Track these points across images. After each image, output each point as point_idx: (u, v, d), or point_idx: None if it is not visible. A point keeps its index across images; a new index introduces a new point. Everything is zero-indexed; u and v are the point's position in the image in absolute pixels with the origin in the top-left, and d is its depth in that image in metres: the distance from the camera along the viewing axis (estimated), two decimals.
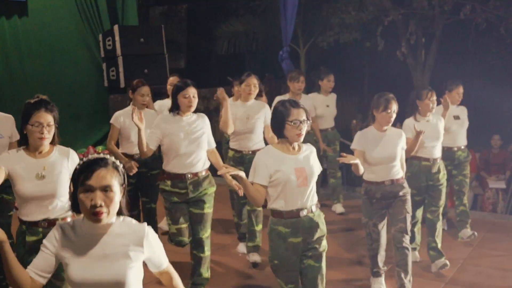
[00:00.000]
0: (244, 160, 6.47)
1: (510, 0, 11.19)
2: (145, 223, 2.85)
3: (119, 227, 2.76)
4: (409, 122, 6.33)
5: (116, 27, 9.85)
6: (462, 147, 7.32)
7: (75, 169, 2.69)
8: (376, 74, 15.24)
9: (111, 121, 6.35)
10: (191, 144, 5.32)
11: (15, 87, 9.23)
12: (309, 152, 4.27)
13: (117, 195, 2.68)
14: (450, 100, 7.21)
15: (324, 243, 4.28)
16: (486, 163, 10.59)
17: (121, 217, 2.78)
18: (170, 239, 5.48)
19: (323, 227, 4.25)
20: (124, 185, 2.75)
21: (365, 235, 5.89)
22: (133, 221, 2.82)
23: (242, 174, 4.02)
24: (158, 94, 9.66)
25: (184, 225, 5.43)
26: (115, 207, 2.69)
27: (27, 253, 4.04)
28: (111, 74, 10.01)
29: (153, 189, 6.38)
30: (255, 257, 6.57)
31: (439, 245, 6.47)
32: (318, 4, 12.63)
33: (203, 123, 5.43)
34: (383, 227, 5.65)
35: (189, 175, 5.33)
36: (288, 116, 4.07)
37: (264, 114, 6.50)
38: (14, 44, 9.72)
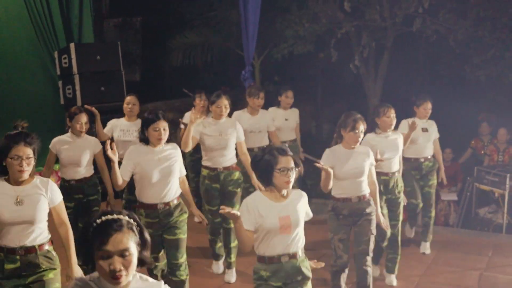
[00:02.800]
0: (219, 177, 6.63)
1: (459, 13, 11.48)
2: (162, 281, 2.85)
3: (136, 283, 2.73)
4: (369, 137, 6.44)
5: (72, 45, 9.75)
6: (429, 157, 7.65)
7: (89, 229, 2.62)
8: (330, 83, 15.42)
9: (50, 146, 6.47)
10: (163, 174, 5.39)
11: None
12: (298, 199, 4.29)
13: (135, 255, 2.63)
14: (418, 115, 7.56)
15: (308, 286, 4.32)
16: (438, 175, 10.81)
17: (137, 274, 2.74)
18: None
19: (306, 272, 4.28)
20: (139, 242, 2.69)
21: (326, 253, 5.98)
22: (149, 278, 2.80)
23: (238, 213, 4.02)
24: (115, 112, 9.64)
25: (160, 253, 5.62)
26: (134, 267, 2.66)
27: (5, 279, 4.21)
28: (67, 92, 9.92)
29: (90, 215, 6.37)
30: (228, 277, 6.79)
31: (399, 259, 6.76)
32: (272, 17, 12.71)
33: (175, 152, 5.52)
34: (347, 244, 5.69)
35: (161, 205, 5.42)
36: (277, 164, 4.07)
37: (236, 131, 6.68)
38: None
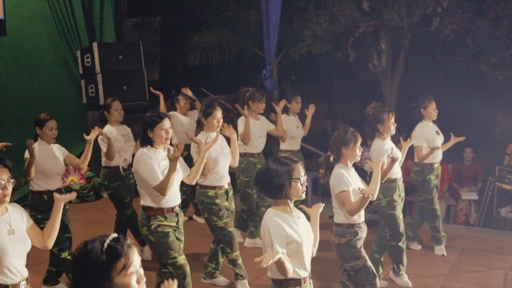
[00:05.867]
0: (228, 194, 6.27)
1: (476, 13, 11.49)
2: None
3: None
4: (381, 144, 6.30)
5: (95, 45, 9.85)
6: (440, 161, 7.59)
7: (101, 259, 2.39)
8: (345, 82, 15.47)
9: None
10: (177, 176, 5.16)
11: None
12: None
13: None
14: (427, 117, 7.37)
15: None
16: (458, 175, 10.87)
17: None
18: (177, 272, 5.21)
19: None
20: None
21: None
22: None
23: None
24: (136, 111, 9.73)
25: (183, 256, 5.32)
26: None
27: None
28: (90, 91, 10.00)
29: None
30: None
31: None
32: (289, 16, 12.73)
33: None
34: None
35: (177, 208, 5.25)
36: (293, 173, 3.74)
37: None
38: None
